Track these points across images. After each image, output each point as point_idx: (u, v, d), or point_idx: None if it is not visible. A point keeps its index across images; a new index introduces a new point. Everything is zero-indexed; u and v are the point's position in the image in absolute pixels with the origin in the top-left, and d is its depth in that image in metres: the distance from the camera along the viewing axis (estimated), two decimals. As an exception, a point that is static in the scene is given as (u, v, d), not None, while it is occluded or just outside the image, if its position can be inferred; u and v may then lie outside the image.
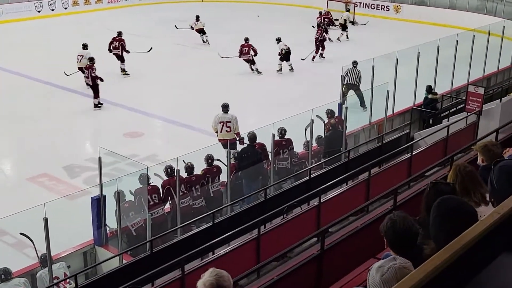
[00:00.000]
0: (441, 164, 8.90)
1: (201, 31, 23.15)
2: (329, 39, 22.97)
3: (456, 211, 2.85)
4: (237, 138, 11.74)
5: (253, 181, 10.59)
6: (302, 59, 20.11)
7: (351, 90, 15.15)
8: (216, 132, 12.18)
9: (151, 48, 19.78)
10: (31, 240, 7.73)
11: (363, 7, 29.33)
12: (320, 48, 21.16)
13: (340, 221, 7.13)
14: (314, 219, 8.00)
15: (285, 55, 19.41)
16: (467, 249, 1.68)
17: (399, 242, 3.25)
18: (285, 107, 15.02)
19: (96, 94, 15.87)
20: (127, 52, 19.04)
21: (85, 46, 17.88)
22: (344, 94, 14.36)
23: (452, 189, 4.08)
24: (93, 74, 15.85)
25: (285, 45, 19.23)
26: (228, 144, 10.66)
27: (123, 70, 18.97)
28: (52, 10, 27.53)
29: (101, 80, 15.85)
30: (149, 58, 20.10)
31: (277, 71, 19.35)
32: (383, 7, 29.34)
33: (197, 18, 23.37)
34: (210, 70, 19.57)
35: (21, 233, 7.96)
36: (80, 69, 17.31)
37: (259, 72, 18.95)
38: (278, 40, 19.47)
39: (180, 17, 26.06)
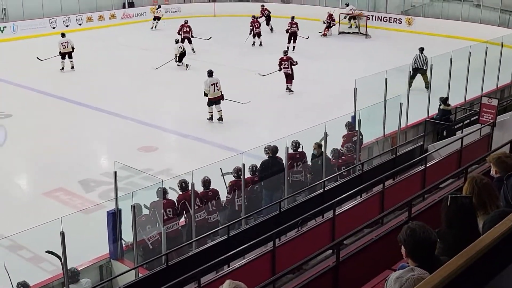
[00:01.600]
0: (455, 176, 8.88)
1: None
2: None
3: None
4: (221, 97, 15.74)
5: (275, 191, 10.70)
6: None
7: (418, 74, 17.69)
8: (206, 95, 15.71)
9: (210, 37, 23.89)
10: (59, 257, 7.69)
11: (375, 20, 29.39)
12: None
13: (355, 233, 7.13)
14: (329, 232, 8.01)
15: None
16: (482, 255, 1.71)
17: (418, 250, 3.26)
18: (299, 120, 15.09)
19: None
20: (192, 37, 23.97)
21: (63, 35, 21.60)
22: (411, 77, 16.35)
23: (471, 202, 4.09)
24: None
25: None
26: (216, 99, 15.57)
27: (192, 49, 23.54)
28: (67, 26, 27.82)
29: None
30: (163, 72, 20.27)
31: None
32: (395, 20, 29.38)
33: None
34: (223, 84, 19.65)
35: (47, 251, 7.93)
36: (65, 54, 20.89)
37: (291, 91, 18.68)
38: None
39: (195, 32, 26.27)
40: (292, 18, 24.77)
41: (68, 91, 18.47)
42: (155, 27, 29.25)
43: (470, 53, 16.07)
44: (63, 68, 20.92)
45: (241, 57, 23.22)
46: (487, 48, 16.66)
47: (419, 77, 17.60)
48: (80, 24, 29.03)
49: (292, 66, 18.62)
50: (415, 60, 18.14)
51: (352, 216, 8.34)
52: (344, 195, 8.88)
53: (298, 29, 24.49)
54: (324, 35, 27.12)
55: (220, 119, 15.80)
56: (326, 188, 10.19)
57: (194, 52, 23.71)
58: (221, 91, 15.73)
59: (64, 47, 20.94)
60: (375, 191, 9.34)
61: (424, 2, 29.69)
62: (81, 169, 13.04)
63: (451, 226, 3.94)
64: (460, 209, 3.95)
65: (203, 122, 15.92)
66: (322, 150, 11.34)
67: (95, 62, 22.60)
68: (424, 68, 17.70)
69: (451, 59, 15.51)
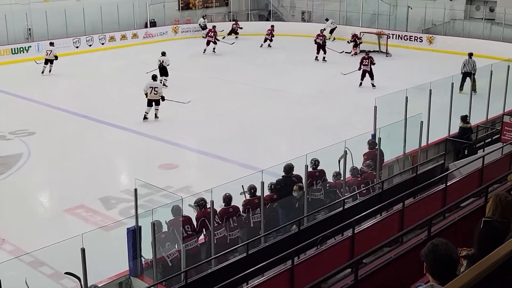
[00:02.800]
0: (476, 194, 8.79)
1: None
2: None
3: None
4: (162, 99, 17.67)
5: (290, 210, 10.65)
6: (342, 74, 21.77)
7: (468, 78, 19.13)
8: (146, 95, 17.56)
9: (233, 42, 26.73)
10: (78, 278, 7.74)
11: (396, 38, 29.39)
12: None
13: (374, 251, 7.08)
14: (348, 250, 7.96)
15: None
16: (498, 266, 1.70)
17: (440, 267, 3.25)
18: (318, 137, 15.08)
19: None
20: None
21: (51, 44, 24.35)
22: (462, 81, 18.44)
23: (505, 227, 4.00)
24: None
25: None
26: (153, 101, 17.57)
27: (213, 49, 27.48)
28: (90, 45, 28.27)
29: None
30: (183, 90, 20.45)
31: None
32: (416, 38, 29.35)
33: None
34: (243, 102, 19.81)
35: (66, 273, 7.97)
36: (48, 60, 23.61)
37: (373, 86, 20.74)
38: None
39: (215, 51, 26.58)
40: (321, 30, 25.42)
41: (91, 109, 18.73)
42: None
43: (491, 71, 15.96)
44: (43, 72, 23.61)
45: (261, 76, 23.31)
46: (509, 66, 16.54)
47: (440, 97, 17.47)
48: (102, 44, 29.46)
49: (372, 65, 21.01)
50: (464, 64, 19.62)
51: (372, 234, 8.29)
52: (363, 214, 8.84)
53: (324, 42, 25.01)
54: (355, 54, 27.08)
55: (156, 116, 17.75)
56: (346, 207, 10.15)
57: (214, 52, 27.22)
58: (160, 95, 17.61)
59: (47, 54, 23.77)
60: (395, 210, 9.28)
61: (445, 21, 29.61)
62: (102, 186, 13.16)
63: (482, 250, 3.87)
64: (492, 233, 3.88)
65: (224, 140, 16.00)
66: (341, 169, 11.29)
67: (116, 80, 22.89)
68: (473, 72, 19.15)
69: (474, 77, 15.44)
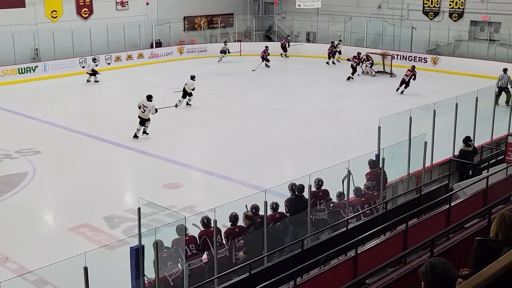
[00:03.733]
0: (480, 215, 8.77)
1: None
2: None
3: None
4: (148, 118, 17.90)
5: (300, 229, 10.71)
6: None
7: (503, 91, 20.05)
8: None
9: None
10: None
11: (400, 59, 29.49)
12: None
13: (377, 272, 7.06)
14: (351, 270, 7.94)
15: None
16: (489, 283, 1.72)
17: (436, 285, 3.24)
18: (322, 157, 15.10)
19: None
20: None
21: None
22: (497, 95, 18.64)
23: (499, 245, 4.01)
24: None
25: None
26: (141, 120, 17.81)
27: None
28: (96, 65, 28.50)
29: None
30: (188, 110, 20.56)
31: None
32: (420, 58, 29.44)
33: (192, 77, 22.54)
34: (248, 122, 19.88)
35: None
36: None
37: (401, 92, 22.84)
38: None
39: (219, 71, 26.74)
40: (413, 67, 24.30)
41: (96, 129, 18.83)
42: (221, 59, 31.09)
43: (496, 91, 16.00)
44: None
45: (266, 96, 23.40)
46: (513, 87, 16.61)
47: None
48: (109, 64, 29.68)
49: (411, 79, 22.98)
50: (499, 79, 20.61)
51: (375, 254, 8.27)
52: (366, 234, 8.83)
53: (413, 78, 23.79)
54: (374, 75, 27.32)
55: (144, 132, 18.03)
56: (349, 227, 10.14)
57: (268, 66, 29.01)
58: (147, 116, 17.88)
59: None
60: (398, 230, 9.26)
61: (450, 42, 29.73)
62: (106, 205, 13.19)
63: (477, 269, 3.87)
64: (487, 252, 3.88)
65: (228, 160, 16.04)
66: (345, 190, 11.29)
67: (121, 100, 23.04)
68: (508, 86, 20.27)
69: (477, 97, 15.46)
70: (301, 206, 10.75)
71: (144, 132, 18.06)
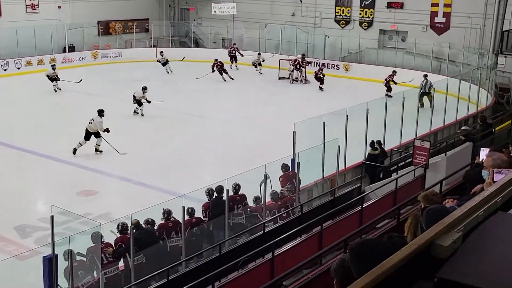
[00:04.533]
0: (391, 215, 9.16)
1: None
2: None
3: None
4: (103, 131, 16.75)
5: (218, 233, 10.79)
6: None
7: (425, 96, 21.09)
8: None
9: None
10: None
11: (314, 66, 30.06)
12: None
13: (294, 273, 7.23)
14: (268, 272, 8.08)
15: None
16: (386, 276, 1.84)
17: (348, 280, 3.37)
18: (239, 163, 15.22)
19: None
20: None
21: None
22: (420, 100, 19.73)
23: (406, 242, 4.20)
24: None
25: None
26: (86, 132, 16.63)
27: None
28: (5, 70, 27.41)
29: None
30: (105, 117, 20.18)
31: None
32: (333, 65, 30.23)
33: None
34: (164, 128, 19.75)
35: None
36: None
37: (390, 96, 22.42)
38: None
39: (134, 77, 26.39)
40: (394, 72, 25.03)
41: (5, 136, 18.09)
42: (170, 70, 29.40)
43: (404, 98, 16.72)
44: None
45: (183, 102, 23.33)
46: (420, 93, 17.38)
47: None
48: (18, 68, 28.62)
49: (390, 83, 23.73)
50: (422, 85, 21.74)
51: (291, 256, 8.46)
52: (283, 236, 9.01)
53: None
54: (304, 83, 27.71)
55: (96, 149, 16.92)
56: (266, 230, 10.30)
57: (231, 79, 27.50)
58: (92, 130, 16.85)
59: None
60: (314, 232, 9.51)
61: (361, 49, 30.74)
62: (17, 215, 12.74)
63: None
64: (395, 249, 4.04)
65: (144, 166, 15.86)
66: (261, 193, 11.47)
67: (32, 106, 22.27)
68: (429, 91, 21.17)
69: (386, 103, 16.11)
70: (222, 210, 10.81)
71: (96, 149, 16.94)
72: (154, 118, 21.17)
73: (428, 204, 5.24)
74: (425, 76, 22.81)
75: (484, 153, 7.31)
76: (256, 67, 29.35)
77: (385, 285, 1.86)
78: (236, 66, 30.42)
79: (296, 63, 27.78)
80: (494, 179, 4.57)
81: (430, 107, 19.85)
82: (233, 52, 30.54)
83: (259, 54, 29.59)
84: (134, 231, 9.49)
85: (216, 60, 27.88)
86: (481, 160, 7.35)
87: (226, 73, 27.70)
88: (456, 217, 2.11)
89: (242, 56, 30.19)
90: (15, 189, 14.28)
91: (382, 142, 15.24)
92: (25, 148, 17.16)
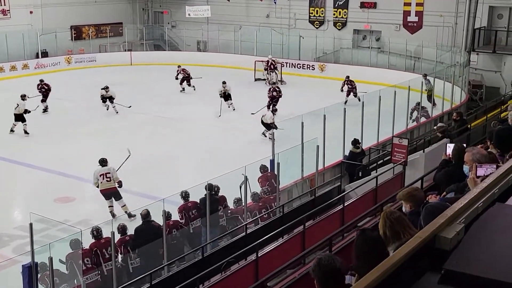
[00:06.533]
0: (372, 213, 9.18)
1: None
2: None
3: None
4: (118, 185, 12.96)
5: (212, 227, 10.79)
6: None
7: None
8: (97, 186, 12.97)
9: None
10: None
11: (289, 66, 30.22)
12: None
13: (278, 274, 7.20)
14: (252, 274, 8.04)
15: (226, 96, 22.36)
16: (393, 270, 1.82)
17: (326, 278, 3.39)
18: (219, 165, 15.14)
19: None
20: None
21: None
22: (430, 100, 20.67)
23: (378, 235, 4.23)
24: None
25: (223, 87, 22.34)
26: (109, 192, 12.79)
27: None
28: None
29: None
30: (78, 121, 19.94)
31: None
32: (308, 66, 30.35)
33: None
34: (141, 133, 19.59)
35: None
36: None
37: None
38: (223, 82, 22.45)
39: (110, 81, 26.14)
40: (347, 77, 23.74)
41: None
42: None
43: (380, 96, 16.81)
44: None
45: (158, 106, 23.18)
46: (395, 91, 17.49)
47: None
48: (-10, 75, 28.20)
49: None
50: (422, 83, 21.03)
51: (275, 257, 8.43)
52: (266, 237, 8.97)
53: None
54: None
55: (129, 215, 12.51)
56: (248, 232, 10.26)
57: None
58: (116, 183, 13.04)
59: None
60: (296, 232, 9.50)
61: (335, 49, 30.89)
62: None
63: (359, 258, 4.05)
64: (367, 242, 4.06)
65: (121, 171, 15.66)
66: (241, 194, 11.42)
67: (5, 113, 21.90)
68: (431, 88, 21.20)
69: (363, 102, 16.19)
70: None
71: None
72: (127, 122, 21.00)
73: (413, 201, 5.25)
74: (424, 75, 22.37)
75: (450, 148, 7.32)
76: (226, 99, 22.68)
77: (393, 279, 1.84)
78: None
79: (269, 64, 27.80)
80: (478, 174, 4.58)
81: (429, 101, 20.41)
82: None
83: (224, 82, 23.01)
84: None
85: (179, 66, 26.37)
86: (447, 155, 7.33)
87: (189, 83, 25.73)
88: (457, 209, 2.11)
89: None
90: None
91: (359, 141, 15.29)
92: (-1, 156, 16.89)
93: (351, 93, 23.05)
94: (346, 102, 21.45)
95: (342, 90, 23.39)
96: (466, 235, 2.02)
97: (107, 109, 21.79)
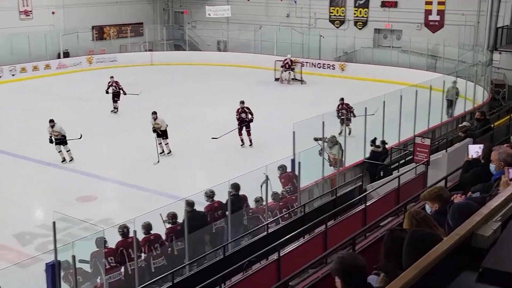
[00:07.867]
0: (394, 213, 9.10)
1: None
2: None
3: (423, 240, 2.98)
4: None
5: (235, 226, 10.82)
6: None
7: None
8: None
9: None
10: None
11: (310, 66, 30.15)
12: None
13: (300, 273, 7.16)
14: (274, 273, 8.01)
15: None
16: (431, 268, 1.79)
17: (349, 276, 3.34)
18: (240, 164, 15.14)
19: None
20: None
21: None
22: (448, 107, 20.06)
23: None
24: None
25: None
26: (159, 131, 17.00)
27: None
28: (0, 77, 27.33)
29: None
30: (96, 121, 20.09)
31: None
32: (328, 65, 30.24)
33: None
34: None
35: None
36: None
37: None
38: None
39: (130, 81, 26.28)
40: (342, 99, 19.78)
41: (2, 143, 17.98)
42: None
43: (401, 96, 16.67)
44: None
45: (177, 105, 23.23)
46: (417, 91, 17.35)
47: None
48: (13, 75, 28.52)
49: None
50: (448, 90, 20.30)
51: (297, 257, 8.39)
52: (287, 237, 8.94)
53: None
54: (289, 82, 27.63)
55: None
56: (269, 231, 10.23)
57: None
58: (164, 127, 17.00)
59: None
60: (317, 232, 9.45)
61: (356, 49, 30.74)
62: (16, 222, 12.62)
63: (388, 258, 4.02)
64: (395, 242, 4.03)
65: (142, 170, 15.77)
66: (262, 193, 11.39)
67: (29, 112, 22.15)
68: (456, 97, 20.61)
69: (384, 102, 16.06)
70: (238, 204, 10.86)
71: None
72: (145, 121, 21.05)
73: (440, 200, 5.18)
74: (454, 82, 20.82)
75: (472, 149, 7.21)
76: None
77: (430, 277, 1.80)
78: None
79: (285, 63, 27.82)
80: (510, 177, 4.51)
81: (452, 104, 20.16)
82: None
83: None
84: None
85: (111, 77, 22.54)
86: (470, 157, 7.22)
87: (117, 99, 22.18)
88: (493, 207, 2.07)
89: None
90: (11, 196, 14.18)
91: (383, 140, 15.19)
92: (20, 155, 17.05)
93: (349, 120, 17.91)
94: (340, 133, 16.43)
95: (338, 117, 18.16)
96: (503, 233, 1.98)
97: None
